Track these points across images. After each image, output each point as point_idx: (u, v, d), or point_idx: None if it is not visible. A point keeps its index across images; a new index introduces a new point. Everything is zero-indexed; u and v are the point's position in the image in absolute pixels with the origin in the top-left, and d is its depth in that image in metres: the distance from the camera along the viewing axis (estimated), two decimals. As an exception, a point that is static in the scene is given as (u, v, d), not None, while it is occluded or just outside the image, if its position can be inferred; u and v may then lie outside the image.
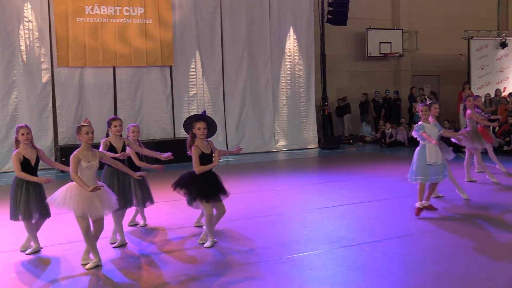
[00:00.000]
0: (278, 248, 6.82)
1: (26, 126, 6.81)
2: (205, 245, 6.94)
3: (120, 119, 7.40)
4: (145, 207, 8.03)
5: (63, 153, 14.11)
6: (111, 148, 7.19)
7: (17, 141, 6.79)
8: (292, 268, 6.07)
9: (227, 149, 16.77)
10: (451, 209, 8.68)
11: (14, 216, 6.76)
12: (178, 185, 6.94)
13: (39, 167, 6.93)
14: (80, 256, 6.41)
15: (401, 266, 6.06)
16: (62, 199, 6.03)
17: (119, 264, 6.39)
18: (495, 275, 5.60)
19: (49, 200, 6.18)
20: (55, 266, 6.41)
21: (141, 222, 8.18)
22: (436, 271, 5.78)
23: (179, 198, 9.56)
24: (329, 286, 5.46)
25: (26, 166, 6.71)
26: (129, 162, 7.51)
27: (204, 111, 7.37)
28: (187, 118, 7.10)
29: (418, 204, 8.09)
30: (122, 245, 7.10)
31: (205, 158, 6.85)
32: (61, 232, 7.71)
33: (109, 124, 7.30)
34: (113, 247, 7.01)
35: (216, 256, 6.59)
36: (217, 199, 6.89)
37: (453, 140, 10.84)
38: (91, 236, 6.22)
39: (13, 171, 7.17)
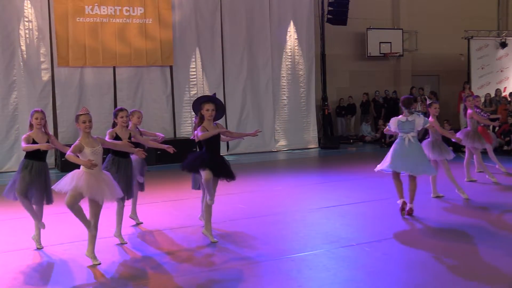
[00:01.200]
0: (278, 248, 6.82)
1: (41, 111, 6.94)
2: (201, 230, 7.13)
3: (126, 110, 7.47)
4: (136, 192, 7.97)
5: (63, 153, 14.10)
6: (116, 139, 7.23)
7: (30, 125, 6.89)
8: (292, 268, 6.07)
9: (227, 149, 16.78)
10: (451, 209, 8.68)
11: (7, 193, 6.81)
12: (185, 163, 6.99)
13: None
14: (80, 256, 6.42)
15: (401, 266, 6.07)
16: (68, 182, 6.06)
17: (120, 265, 6.39)
18: (496, 273, 5.61)
19: (54, 186, 6.18)
20: (56, 266, 6.41)
21: (136, 221, 8.17)
22: (436, 270, 5.78)
23: (179, 198, 9.61)
24: (329, 286, 5.46)
25: (36, 150, 6.78)
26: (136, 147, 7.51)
27: (215, 93, 7.38)
28: (196, 98, 7.15)
29: (399, 202, 8.12)
30: (122, 243, 7.11)
31: (212, 139, 6.85)
32: (61, 231, 7.71)
33: (115, 115, 7.35)
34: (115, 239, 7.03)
35: (216, 256, 6.59)
36: (217, 176, 6.90)
37: (453, 139, 10.82)
38: (79, 209, 6.17)
39: (13, 171, 7.19)
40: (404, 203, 8.08)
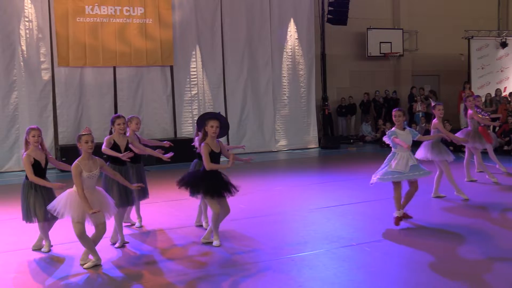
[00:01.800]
0: (278, 247, 6.82)
1: (38, 128, 6.81)
2: (214, 243, 6.94)
3: (123, 117, 7.43)
4: (141, 200, 7.95)
5: (64, 153, 14.13)
6: (114, 146, 7.21)
7: (26, 143, 6.79)
8: (292, 267, 6.07)
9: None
10: (451, 209, 8.68)
11: (28, 218, 6.74)
12: (183, 183, 6.95)
13: None
14: (80, 255, 6.42)
15: (401, 266, 6.06)
16: (62, 208, 6.07)
17: (120, 264, 6.39)
18: (497, 273, 5.60)
19: (49, 207, 6.18)
20: (56, 265, 6.41)
21: (137, 223, 8.11)
22: (437, 270, 5.78)
23: (179, 198, 9.61)
24: (329, 286, 5.46)
25: (37, 168, 6.73)
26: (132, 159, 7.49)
27: (219, 112, 7.39)
28: (201, 114, 7.12)
29: (396, 213, 7.60)
30: (123, 244, 7.10)
31: (214, 157, 6.86)
32: (62, 231, 7.71)
33: (113, 122, 7.32)
34: (115, 247, 7.01)
35: (216, 256, 6.59)
36: (222, 196, 6.89)
37: (459, 142, 10.79)
38: (87, 238, 6.22)
39: (13, 171, 7.18)
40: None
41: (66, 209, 6.04)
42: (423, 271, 5.80)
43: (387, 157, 7.68)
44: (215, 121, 6.85)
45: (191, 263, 6.36)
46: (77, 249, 6.73)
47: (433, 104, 9.29)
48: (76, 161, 6.13)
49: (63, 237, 7.36)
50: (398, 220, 7.55)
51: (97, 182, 6.33)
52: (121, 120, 7.30)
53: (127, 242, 7.18)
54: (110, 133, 7.38)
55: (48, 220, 6.77)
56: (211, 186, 6.80)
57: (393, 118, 7.75)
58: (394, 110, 7.86)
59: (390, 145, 7.71)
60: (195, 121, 7.26)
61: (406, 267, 6.02)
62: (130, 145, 7.39)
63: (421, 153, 9.12)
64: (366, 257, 6.35)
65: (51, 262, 6.57)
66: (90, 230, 6.28)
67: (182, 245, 7.12)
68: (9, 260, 6.61)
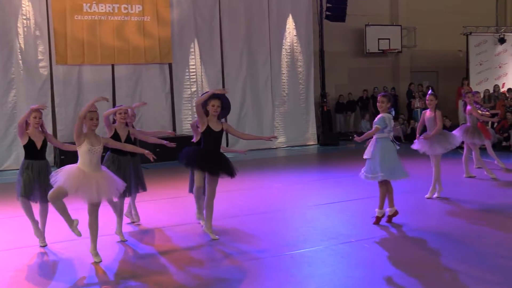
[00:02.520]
0: (277, 244, 6.83)
1: (38, 110, 6.88)
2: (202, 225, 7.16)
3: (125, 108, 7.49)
4: (138, 192, 7.89)
5: (62, 150, 14.08)
6: (115, 136, 7.23)
7: (27, 124, 6.85)
8: (291, 264, 6.08)
9: (227, 146, 16.76)
10: (449, 206, 8.69)
11: (26, 194, 6.78)
12: (182, 156, 7.06)
13: None
14: (81, 253, 6.42)
15: (401, 262, 6.07)
16: (59, 176, 6.05)
17: (120, 261, 6.40)
18: (496, 269, 5.62)
19: (52, 181, 6.14)
20: (57, 263, 6.42)
21: (135, 219, 8.13)
22: (436, 266, 5.80)
23: (177, 196, 9.62)
24: (328, 282, 5.47)
25: (31, 148, 6.79)
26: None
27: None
28: (203, 94, 7.14)
29: (377, 213, 7.54)
30: (122, 240, 7.13)
31: (211, 134, 6.88)
32: (62, 229, 7.71)
33: (114, 112, 7.35)
34: (117, 239, 7.08)
35: (216, 253, 6.61)
36: (214, 174, 6.93)
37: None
38: (61, 204, 6.18)
39: (12, 169, 7.20)
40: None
41: (62, 177, 6.00)
42: (422, 267, 5.81)
43: (371, 144, 7.59)
44: (216, 100, 6.90)
45: (190, 261, 6.37)
46: (78, 246, 6.74)
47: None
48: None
49: (65, 234, 7.37)
50: (378, 220, 7.49)
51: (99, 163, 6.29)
52: (122, 110, 7.35)
53: (125, 240, 7.19)
54: (114, 122, 7.42)
55: (33, 199, 6.82)
56: (204, 161, 6.87)
57: (377, 104, 7.60)
58: (379, 95, 7.78)
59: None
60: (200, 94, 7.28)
61: (406, 263, 6.03)
62: (131, 136, 7.41)
63: (416, 145, 9.07)
64: (365, 254, 6.36)
65: (52, 259, 6.58)
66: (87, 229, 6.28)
67: (181, 242, 7.12)
68: (10, 258, 6.61)
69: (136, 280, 5.73)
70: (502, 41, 19.95)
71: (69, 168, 6.16)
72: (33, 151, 6.80)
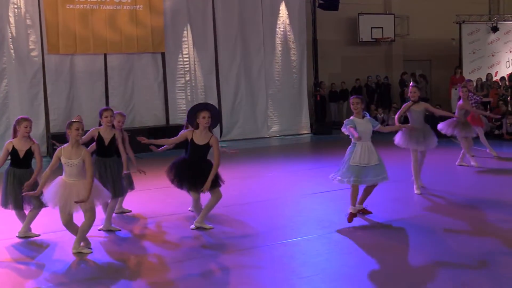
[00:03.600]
0: (271, 233, 6.85)
1: (29, 120, 6.89)
2: (191, 226, 7.11)
3: (111, 110, 7.38)
4: (126, 192, 7.81)
5: (55, 140, 14.02)
6: (99, 139, 7.18)
7: (15, 131, 6.85)
8: (285, 253, 6.10)
9: (220, 136, 16.78)
10: (442, 195, 8.73)
11: (4, 204, 6.86)
12: (169, 173, 7.04)
13: None
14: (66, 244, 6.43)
15: (394, 251, 6.10)
16: (49, 197, 6.14)
17: (110, 251, 6.41)
18: (486, 257, 5.66)
19: (43, 198, 6.25)
20: (47, 253, 6.41)
21: (124, 209, 8.12)
22: (429, 254, 5.83)
23: (171, 185, 9.60)
24: (322, 271, 5.50)
25: (14, 157, 6.83)
26: (117, 152, 7.44)
27: (208, 103, 7.39)
28: (191, 107, 7.10)
29: (350, 209, 7.15)
30: (109, 229, 7.15)
31: (195, 148, 6.86)
32: (54, 219, 7.70)
33: (101, 114, 7.30)
34: (98, 229, 7.08)
35: (210, 242, 6.62)
36: (191, 189, 6.99)
37: (439, 127, 10.64)
38: (74, 226, 6.30)
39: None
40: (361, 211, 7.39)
41: (53, 198, 6.08)
42: (416, 255, 5.84)
43: (348, 150, 7.24)
44: (206, 112, 6.88)
45: (184, 251, 6.38)
46: (70, 237, 6.74)
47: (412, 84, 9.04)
48: (61, 146, 6.22)
49: (54, 225, 7.35)
50: (351, 216, 7.10)
51: (83, 171, 6.24)
52: (108, 113, 7.26)
53: (119, 230, 7.19)
54: (99, 125, 7.36)
55: (22, 208, 6.87)
56: (190, 180, 6.91)
57: (351, 106, 7.24)
58: (351, 97, 7.40)
59: (350, 136, 7.17)
60: (188, 110, 7.24)
61: (399, 251, 6.06)
62: (117, 138, 7.30)
63: (399, 139, 8.83)
64: (358, 242, 6.38)
65: (36, 249, 6.58)
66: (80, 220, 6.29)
67: (174, 232, 7.13)
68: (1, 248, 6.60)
69: (129, 271, 5.74)
70: (495, 29, 19.97)
71: (54, 183, 6.19)
72: (16, 159, 6.81)
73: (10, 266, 6.00)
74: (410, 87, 8.86)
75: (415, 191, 8.72)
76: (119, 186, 7.24)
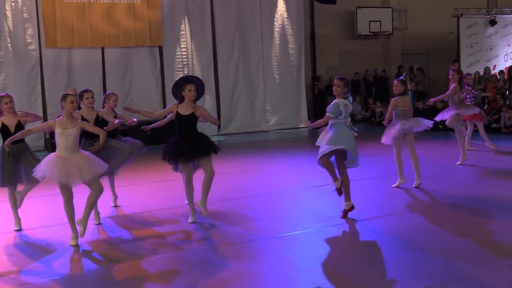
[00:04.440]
0: (269, 227, 6.86)
1: (8, 95, 6.99)
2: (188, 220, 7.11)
3: (91, 91, 7.39)
4: (111, 173, 7.77)
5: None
6: (83, 121, 7.17)
7: (0, 111, 6.92)
8: (283, 246, 6.11)
9: (218, 130, 16.80)
10: (439, 189, 8.74)
11: (1, 183, 6.85)
12: (164, 155, 7.00)
13: None
14: (64, 237, 6.43)
15: (392, 244, 6.11)
16: (46, 172, 6.07)
17: (109, 245, 6.41)
18: (478, 250, 5.68)
19: (35, 174, 6.17)
20: (44, 246, 6.42)
21: (112, 203, 8.11)
22: (426, 247, 5.84)
23: (169, 179, 9.61)
24: (320, 264, 5.51)
25: (5, 132, 6.85)
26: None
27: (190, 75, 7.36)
28: (175, 82, 7.09)
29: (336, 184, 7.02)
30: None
31: (181, 119, 6.88)
32: (50, 213, 7.71)
33: (81, 96, 7.27)
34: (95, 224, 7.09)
35: (207, 235, 6.63)
36: (188, 161, 6.92)
37: (437, 118, 10.53)
38: (70, 209, 6.27)
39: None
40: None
41: (49, 173, 6.03)
42: (413, 248, 5.85)
43: (325, 130, 7.15)
44: (192, 85, 6.88)
45: (182, 244, 6.39)
46: (65, 230, 6.75)
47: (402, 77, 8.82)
48: (53, 120, 6.27)
49: (50, 218, 7.36)
50: (346, 213, 7.02)
51: (78, 143, 6.30)
52: (89, 94, 7.29)
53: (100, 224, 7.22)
54: (79, 108, 7.34)
55: (16, 184, 6.91)
56: (175, 152, 6.86)
57: (333, 88, 6.99)
58: (335, 78, 7.09)
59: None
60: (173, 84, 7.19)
61: (396, 244, 6.07)
62: (100, 119, 7.30)
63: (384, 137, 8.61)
64: (356, 236, 6.40)
65: (33, 242, 6.59)
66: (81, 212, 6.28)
67: (172, 225, 7.14)
68: (-1, 243, 6.62)
69: (124, 263, 5.74)
70: (493, 23, 19.97)
71: (48, 158, 6.17)
72: (8, 135, 6.80)
73: (6, 260, 6.01)
74: (396, 81, 8.67)
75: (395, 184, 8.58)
76: (112, 165, 7.23)
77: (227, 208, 7.87)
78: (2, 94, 7.04)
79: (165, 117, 7.60)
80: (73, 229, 6.33)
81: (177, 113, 6.89)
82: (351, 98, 7.25)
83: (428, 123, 8.62)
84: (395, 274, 5.20)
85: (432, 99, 10.52)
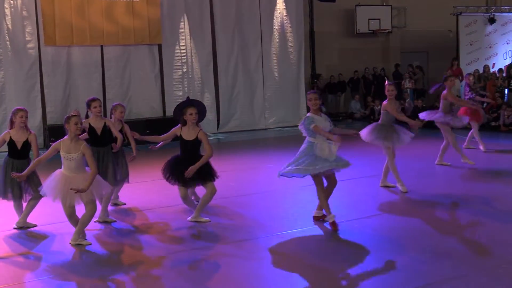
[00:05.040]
0: (267, 225, 6.87)
1: (24, 110, 6.92)
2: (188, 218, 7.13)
3: (99, 100, 7.42)
4: (121, 182, 7.86)
5: (52, 132, 14.04)
6: (90, 129, 7.20)
7: (12, 123, 6.87)
8: (282, 245, 6.12)
9: (217, 128, 16.83)
10: (438, 183, 8.76)
11: (3, 195, 6.89)
12: (164, 170, 7.03)
13: None
14: (64, 235, 6.43)
15: (390, 242, 6.12)
16: (49, 190, 6.17)
17: (109, 243, 6.42)
18: (471, 246, 5.69)
19: (41, 190, 6.26)
20: (46, 244, 6.42)
21: (118, 201, 8.13)
22: (424, 245, 5.85)
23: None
24: (319, 262, 5.51)
25: (11, 148, 6.83)
26: (111, 138, 7.47)
27: (188, 97, 7.38)
28: (177, 106, 7.09)
29: (329, 219, 6.63)
30: (105, 221, 7.17)
31: (185, 144, 6.89)
32: (52, 211, 7.71)
33: (88, 105, 7.30)
34: (94, 221, 7.04)
35: (206, 233, 6.63)
36: (191, 185, 7.00)
37: (420, 116, 10.30)
38: (76, 219, 6.33)
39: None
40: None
41: (53, 191, 6.10)
42: (411, 246, 5.87)
43: (302, 149, 6.71)
44: (193, 108, 6.89)
45: (179, 240, 6.40)
46: (64, 228, 6.75)
47: (389, 83, 8.54)
48: (61, 139, 6.22)
49: (51, 216, 7.36)
50: (335, 224, 6.58)
51: (82, 165, 6.27)
52: (96, 103, 7.30)
53: (115, 221, 7.21)
54: (86, 116, 7.36)
55: (21, 199, 6.92)
56: (174, 175, 6.89)
57: (308, 102, 6.69)
58: (308, 93, 6.83)
59: (304, 134, 6.71)
60: (174, 107, 7.25)
61: (395, 242, 6.08)
62: (108, 126, 7.31)
63: (365, 134, 8.35)
64: (355, 234, 6.40)
65: (34, 241, 6.61)
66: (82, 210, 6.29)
67: (170, 223, 7.15)
68: (-1, 240, 6.62)
69: (126, 261, 5.75)
70: (492, 21, 19.96)
71: (53, 176, 6.21)
72: (14, 150, 6.83)
73: (8, 258, 6.01)
74: (388, 85, 8.43)
75: (401, 189, 8.29)
76: (113, 175, 7.26)
77: (225, 205, 7.87)
78: (20, 107, 6.99)
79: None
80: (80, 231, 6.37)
81: (181, 137, 6.89)
82: (324, 108, 6.97)
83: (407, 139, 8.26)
84: (393, 273, 5.20)
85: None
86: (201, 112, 7.02)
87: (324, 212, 6.82)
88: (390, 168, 8.35)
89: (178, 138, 7.00)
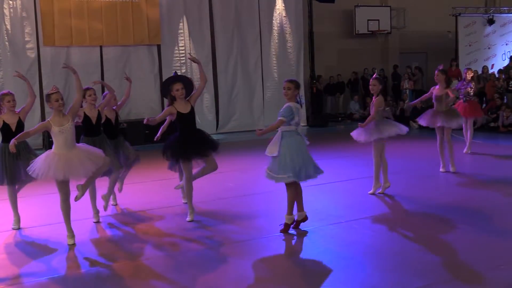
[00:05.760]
0: (268, 225, 6.86)
1: (10, 93, 7.02)
2: (187, 218, 7.13)
3: (93, 89, 7.49)
4: (123, 169, 7.82)
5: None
6: (85, 118, 7.24)
7: (1, 108, 6.95)
8: (281, 245, 6.12)
9: (216, 128, 16.82)
10: (438, 186, 8.76)
11: (1, 181, 6.87)
12: (163, 150, 7.06)
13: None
14: (62, 235, 6.43)
15: (389, 243, 6.12)
16: (44, 170, 6.03)
17: (107, 243, 6.41)
18: (471, 246, 5.69)
19: (31, 172, 6.12)
20: (42, 245, 6.42)
21: (112, 201, 8.08)
22: (423, 246, 5.85)
23: (168, 178, 9.61)
24: (319, 263, 5.51)
25: (7, 131, 6.86)
26: (109, 127, 7.51)
27: (175, 72, 7.40)
28: (163, 83, 7.16)
29: (286, 219, 6.54)
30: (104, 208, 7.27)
31: (183, 117, 6.94)
32: (48, 212, 7.70)
33: (84, 94, 7.30)
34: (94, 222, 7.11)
35: (206, 234, 6.62)
36: (198, 157, 7.02)
37: (420, 122, 10.21)
38: (68, 208, 6.28)
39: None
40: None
41: (47, 170, 6.00)
42: (411, 247, 5.86)
43: (275, 138, 6.80)
44: (179, 84, 6.97)
45: (179, 240, 6.39)
46: (61, 229, 6.75)
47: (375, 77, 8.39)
48: (46, 120, 6.28)
49: (48, 217, 7.35)
50: (287, 227, 6.52)
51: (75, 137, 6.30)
52: (91, 91, 7.42)
53: (115, 204, 7.30)
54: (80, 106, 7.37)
55: (17, 183, 6.95)
56: (177, 151, 6.91)
57: (283, 91, 6.75)
58: (284, 81, 6.91)
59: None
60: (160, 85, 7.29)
61: (394, 244, 6.08)
62: (102, 113, 7.38)
63: (357, 134, 8.25)
64: (354, 234, 6.40)
65: (31, 241, 6.60)
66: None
67: (170, 223, 7.14)
68: (-2, 241, 6.62)
69: (122, 261, 5.75)
70: (491, 22, 19.98)
71: (44, 156, 6.14)
72: (9, 133, 6.83)
73: (5, 258, 6.00)
74: (372, 80, 8.31)
75: (379, 190, 8.19)
76: (116, 161, 7.27)
77: (225, 206, 7.87)
78: (5, 92, 7.06)
79: (165, 120, 7.58)
80: (68, 229, 6.34)
81: (178, 112, 6.93)
82: (303, 99, 6.88)
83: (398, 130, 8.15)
84: (393, 275, 5.20)
85: (411, 102, 9.75)
86: (188, 87, 7.06)
87: (296, 217, 6.67)
88: (374, 163, 8.14)
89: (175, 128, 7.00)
